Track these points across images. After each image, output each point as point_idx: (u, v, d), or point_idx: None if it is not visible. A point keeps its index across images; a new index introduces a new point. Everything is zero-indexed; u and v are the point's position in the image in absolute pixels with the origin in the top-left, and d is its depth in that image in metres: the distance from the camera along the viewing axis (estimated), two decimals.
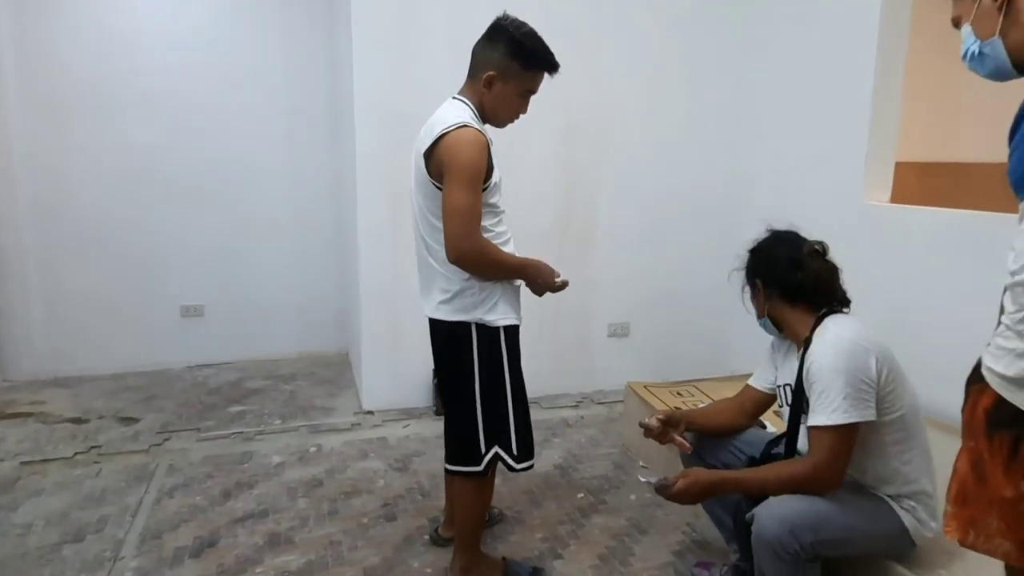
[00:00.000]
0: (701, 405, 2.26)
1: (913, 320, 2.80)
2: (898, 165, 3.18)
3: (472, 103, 1.92)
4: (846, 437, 1.64)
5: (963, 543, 1.28)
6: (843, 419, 1.62)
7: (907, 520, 1.73)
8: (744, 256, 1.95)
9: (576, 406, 3.71)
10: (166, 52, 3.96)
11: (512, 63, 1.87)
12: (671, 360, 3.86)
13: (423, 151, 1.85)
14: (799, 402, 1.80)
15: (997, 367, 1.18)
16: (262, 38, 4.11)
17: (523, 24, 1.91)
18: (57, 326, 4.03)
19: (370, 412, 3.55)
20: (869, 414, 1.65)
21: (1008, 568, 1.34)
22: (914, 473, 1.74)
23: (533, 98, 1.98)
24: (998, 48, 1.22)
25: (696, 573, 2.19)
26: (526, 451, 2.02)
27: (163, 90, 3.99)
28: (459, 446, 1.99)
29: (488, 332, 1.91)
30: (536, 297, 2.06)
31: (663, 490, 1.78)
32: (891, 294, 2.92)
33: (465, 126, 1.80)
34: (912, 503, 1.73)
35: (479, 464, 1.96)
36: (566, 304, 3.64)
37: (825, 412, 1.64)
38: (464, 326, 1.90)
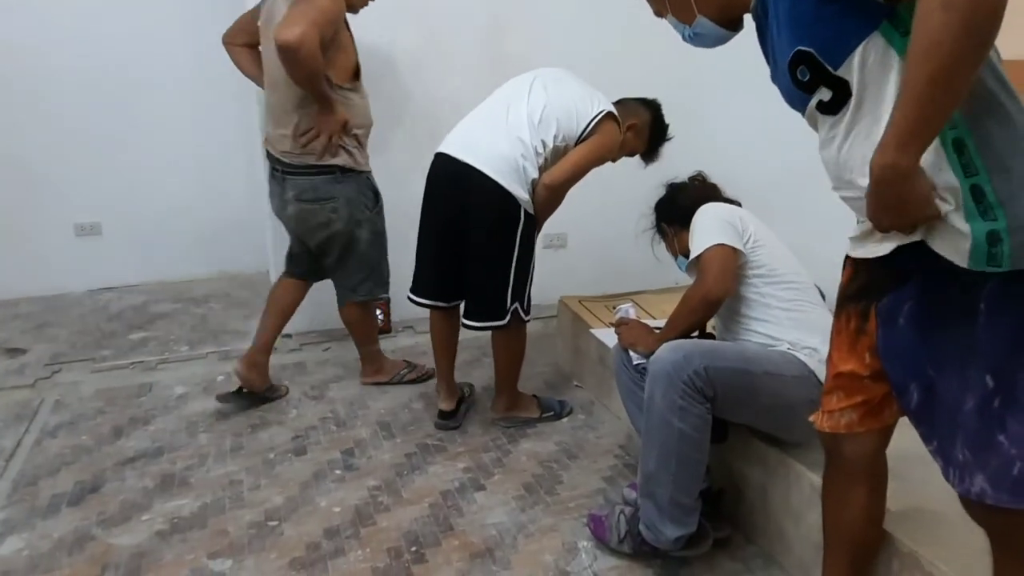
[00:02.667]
0: (653, 322, 2.13)
1: None
2: None
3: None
4: (717, 255, 1.79)
5: (819, 429, 1.34)
6: (708, 243, 1.80)
7: (810, 362, 1.72)
8: (651, 216, 2.24)
9: None
10: None
11: (646, 130, 2.49)
12: (611, 272, 3.64)
13: (597, 108, 2.30)
14: None
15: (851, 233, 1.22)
16: None
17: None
18: None
19: (288, 335, 3.28)
20: (735, 243, 1.80)
21: (827, 451, 1.38)
22: (810, 335, 1.76)
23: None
24: (707, 25, 1.28)
25: (626, 494, 2.06)
26: (530, 309, 2.40)
27: None
28: (486, 305, 2.30)
29: (530, 217, 2.30)
30: None
31: (620, 323, 2.09)
32: None
33: (619, 130, 2.37)
34: (810, 349, 1.74)
35: (504, 318, 2.29)
36: None
37: (696, 248, 1.83)
38: (517, 207, 2.24)
